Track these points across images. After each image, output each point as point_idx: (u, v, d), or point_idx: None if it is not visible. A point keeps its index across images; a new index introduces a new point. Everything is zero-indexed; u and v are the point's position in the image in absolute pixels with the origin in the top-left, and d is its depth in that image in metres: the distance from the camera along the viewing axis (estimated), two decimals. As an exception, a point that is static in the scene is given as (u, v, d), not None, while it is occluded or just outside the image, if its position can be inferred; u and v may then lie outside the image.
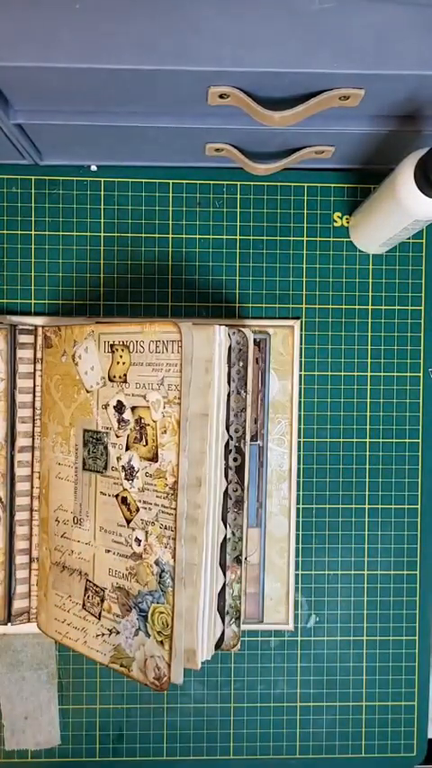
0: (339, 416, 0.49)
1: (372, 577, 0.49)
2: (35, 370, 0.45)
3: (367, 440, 0.49)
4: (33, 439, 0.45)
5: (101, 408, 0.41)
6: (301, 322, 0.49)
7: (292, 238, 0.49)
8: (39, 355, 0.45)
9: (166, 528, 0.37)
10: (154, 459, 0.37)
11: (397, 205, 0.38)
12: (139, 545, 0.38)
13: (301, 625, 0.48)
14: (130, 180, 0.48)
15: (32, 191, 0.48)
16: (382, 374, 0.49)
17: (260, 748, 0.48)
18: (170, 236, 0.48)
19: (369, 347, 0.49)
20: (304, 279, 0.49)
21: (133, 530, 0.39)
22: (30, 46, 0.31)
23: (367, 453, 0.49)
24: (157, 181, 0.48)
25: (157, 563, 0.37)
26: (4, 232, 0.47)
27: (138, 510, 0.38)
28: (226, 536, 0.40)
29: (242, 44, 0.31)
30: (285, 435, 0.48)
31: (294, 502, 0.47)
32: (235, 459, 0.40)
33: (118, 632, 0.40)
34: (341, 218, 0.49)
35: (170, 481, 0.36)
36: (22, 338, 0.44)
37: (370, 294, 0.49)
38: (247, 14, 0.31)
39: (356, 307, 0.49)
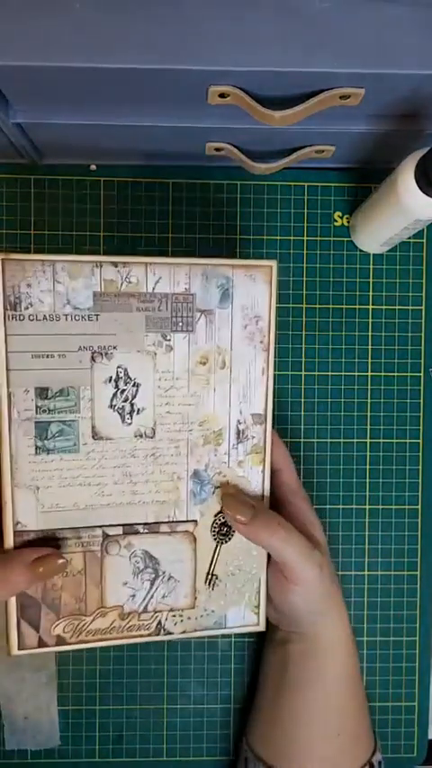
0: (339, 416, 0.49)
1: (372, 578, 0.49)
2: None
3: (367, 440, 0.49)
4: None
5: None
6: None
7: (292, 238, 0.49)
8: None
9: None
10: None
11: (398, 204, 0.38)
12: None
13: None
14: (129, 179, 0.48)
15: (32, 190, 0.47)
16: (382, 374, 0.49)
17: (260, 748, 0.48)
18: (170, 235, 0.48)
19: (369, 347, 0.49)
20: (304, 278, 0.49)
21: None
22: (29, 45, 0.31)
23: (367, 453, 0.49)
24: (157, 180, 0.48)
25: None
26: (4, 232, 0.47)
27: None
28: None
29: (242, 43, 0.31)
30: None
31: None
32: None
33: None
34: (341, 218, 0.49)
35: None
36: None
37: (370, 294, 0.49)
38: (248, 14, 0.31)
39: (357, 306, 0.49)
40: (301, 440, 0.49)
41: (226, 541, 0.39)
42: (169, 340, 0.36)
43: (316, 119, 0.37)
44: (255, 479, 0.39)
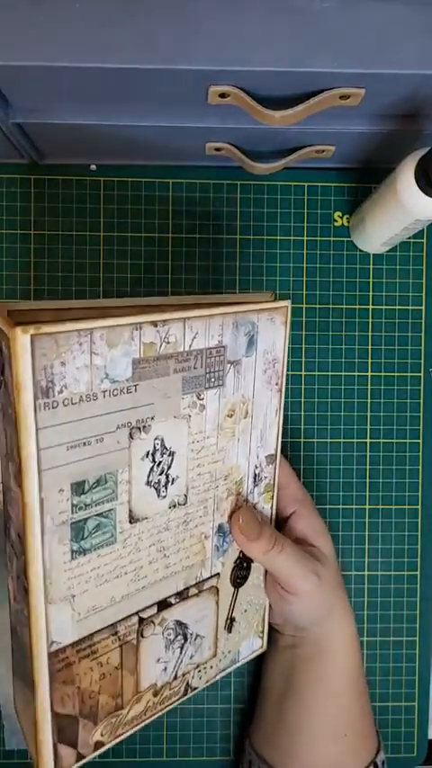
0: (339, 416, 0.49)
1: (372, 578, 0.49)
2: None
3: (367, 440, 0.49)
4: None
5: None
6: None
7: (292, 238, 0.49)
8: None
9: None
10: None
11: (398, 204, 0.38)
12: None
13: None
14: (129, 179, 0.48)
15: (32, 190, 0.47)
16: (382, 374, 0.49)
17: (260, 748, 0.48)
18: (170, 235, 0.48)
19: (369, 347, 0.49)
20: (304, 278, 0.49)
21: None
22: (29, 45, 0.31)
23: (367, 453, 0.49)
24: (157, 180, 0.48)
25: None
26: (4, 231, 0.47)
27: None
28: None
29: (242, 43, 0.31)
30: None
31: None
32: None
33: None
34: (341, 218, 0.49)
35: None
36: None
37: (370, 294, 0.49)
38: (248, 13, 0.31)
39: (357, 306, 0.49)
40: (302, 440, 0.49)
41: (243, 584, 0.39)
42: (202, 399, 0.33)
43: (316, 119, 0.37)
44: (265, 514, 0.40)
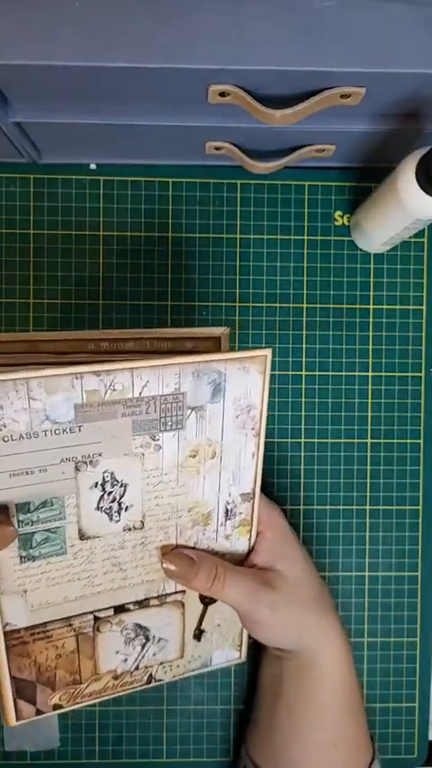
0: (340, 417, 0.49)
1: (372, 578, 0.49)
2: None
3: (368, 440, 0.49)
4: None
5: None
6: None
7: (292, 237, 0.49)
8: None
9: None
10: None
11: (398, 204, 0.38)
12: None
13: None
14: (129, 178, 0.48)
15: (31, 189, 0.47)
16: (383, 374, 0.49)
17: (260, 749, 0.48)
18: (170, 234, 0.48)
19: (370, 347, 0.49)
20: (305, 278, 0.49)
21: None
22: (28, 44, 0.31)
23: (368, 454, 0.49)
24: (157, 179, 0.48)
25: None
26: (3, 231, 0.47)
27: None
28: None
29: (243, 42, 0.31)
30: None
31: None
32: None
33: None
34: (342, 217, 0.49)
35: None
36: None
37: (371, 294, 0.49)
38: (248, 12, 0.31)
39: (357, 306, 0.49)
40: (302, 440, 0.48)
41: (213, 602, 0.40)
42: (158, 440, 0.33)
43: (316, 118, 0.37)
44: (240, 546, 0.39)
